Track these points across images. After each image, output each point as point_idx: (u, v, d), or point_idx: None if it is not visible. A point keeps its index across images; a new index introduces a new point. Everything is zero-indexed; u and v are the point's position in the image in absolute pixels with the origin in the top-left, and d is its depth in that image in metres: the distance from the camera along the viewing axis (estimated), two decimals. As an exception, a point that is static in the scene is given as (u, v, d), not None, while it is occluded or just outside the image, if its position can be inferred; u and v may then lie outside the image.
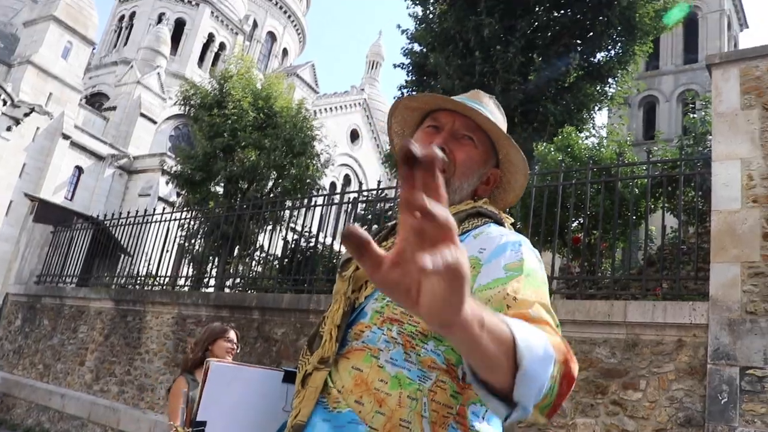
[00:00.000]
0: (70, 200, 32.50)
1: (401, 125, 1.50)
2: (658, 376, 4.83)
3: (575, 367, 1.00)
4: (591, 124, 12.95)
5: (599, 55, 13.16)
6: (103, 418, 9.94)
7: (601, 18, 12.35)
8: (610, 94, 13.52)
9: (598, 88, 13.09)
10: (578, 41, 12.71)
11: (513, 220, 1.40)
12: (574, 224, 8.03)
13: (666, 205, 6.96)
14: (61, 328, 11.71)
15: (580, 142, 9.03)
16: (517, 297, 1.08)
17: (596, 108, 13.27)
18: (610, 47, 13.06)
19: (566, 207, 6.84)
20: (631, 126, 26.23)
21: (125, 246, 11.93)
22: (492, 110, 1.42)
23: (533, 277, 1.14)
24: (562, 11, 12.73)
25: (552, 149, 8.77)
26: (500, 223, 1.33)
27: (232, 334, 4.39)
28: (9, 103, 30.26)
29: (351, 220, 8.60)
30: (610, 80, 13.30)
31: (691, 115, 9.26)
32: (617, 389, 4.99)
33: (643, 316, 4.97)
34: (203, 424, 1.32)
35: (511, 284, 1.10)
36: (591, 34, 12.73)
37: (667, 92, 31.15)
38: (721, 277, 4.66)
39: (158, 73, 40.04)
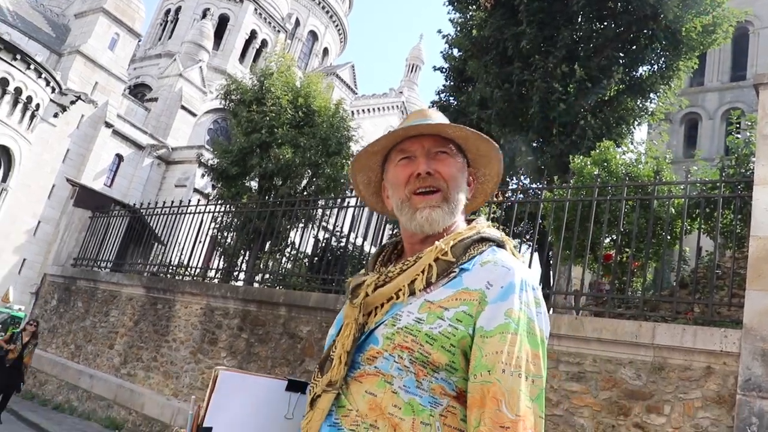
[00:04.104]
0: (109, 187, 33.17)
1: (365, 172, 1.53)
2: (683, 402, 4.74)
3: None
4: (630, 140, 12.75)
5: (642, 69, 12.96)
6: (128, 401, 10.13)
7: (645, 31, 12.16)
8: (651, 109, 13.29)
9: (639, 102, 12.87)
10: (621, 54, 12.52)
11: (515, 243, 1.41)
12: (607, 241, 7.94)
13: (702, 226, 6.85)
14: (94, 311, 11.95)
15: (617, 157, 8.92)
16: (508, 382, 1.17)
17: (636, 123, 13.05)
18: (653, 61, 12.84)
19: (599, 222, 6.76)
20: (671, 143, 25.73)
21: (159, 235, 12.14)
22: (442, 118, 1.45)
23: (530, 335, 1.22)
24: (605, 23, 12.57)
25: (588, 163, 8.68)
26: (502, 246, 1.36)
27: None
28: (57, 90, 31.03)
29: (383, 223, 8.62)
30: (651, 95, 13.07)
31: (735, 135, 9.05)
32: (640, 412, 4.91)
33: (672, 339, 4.88)
34: (209, 430, 1.37)
35: (508, 349, 1.18)
36: (634, 47, 12.54)
37: (710, 110, 30.43)
38: (757, 304, 4.55)
39: (200, 67, 40.64)
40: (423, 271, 1.30)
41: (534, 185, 12.09)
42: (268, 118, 14.07)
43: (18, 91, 28.50)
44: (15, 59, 28.07)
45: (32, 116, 29.92)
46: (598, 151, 8.99)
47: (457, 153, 1.42)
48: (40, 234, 31.26)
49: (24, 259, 30.90)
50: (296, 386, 1.45)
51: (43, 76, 29.62)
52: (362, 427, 1.22)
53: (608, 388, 5.14)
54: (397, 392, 1.21)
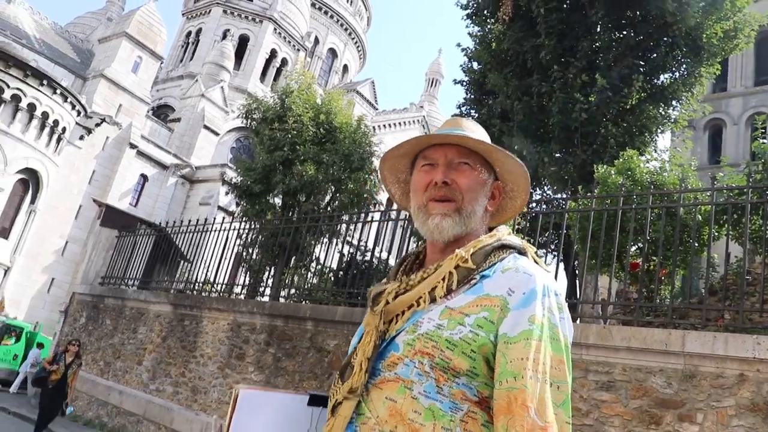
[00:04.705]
0: (135, 207, 33.62)
1: (394, 173, 1.57)
2: (717, 410, 4.68)
3: None
4: (653, 148, 12.65)
5: (663, 77, 12.86)
6: (157, 416, 10.22)
7: (665, 39, 12.10)
8: (673, 116, 13.18)
9: (661, 110, 12.77)
10: (641, 62, 12.47)
11: (535, 249, 1.43)
12: (633, 249, 7.89)
13: (731, 233, 6.78)
14: (122, 328, 12.10)
15: (641, 165, 8.87)
16: (530, 387, 1.18)
17: (659, 131, 12.95)
18: (674, 69, 12.75)
19: (625, 231, 6.73)
20: (695, 150, 25.48)
21: (185, 253, 12.29)
22: (473, 129, 1.47)
23: (554, 341, 1.23)
24: (625, 32, 12.53)
25: (612, 172, 8.65)
26: (524, 253, 1.37)
27: None
28: (83, 113, 31.66)
29: (407, 237, 8.65)
30: (674, 102, 12.96)
31: (761, 141, 8.96)
32: (672, 420, 4.86)
33: (703, 347, 4.83)
34: None
35: (534, 355, 1.19)
36: (655, 55, 12.48)
37: (735, 115, 30.07)
38: (788, 309, 4.50)
39: (222, 87, 41.17)
40: (444, 279, 1.32)
41: (558, 195, 12.05)
42: (290, 136, 14.21)
43: (45, 115, 29.13)
44: (42, 85, 28.72)
45: (59, 139, 30.53)
46: (621, 160, 8.96)
47: (481, 166, 1.43)
48: (67, 254, 31.74)
49: (53, 279, 31.39)
50: (318, 400, 1.44)
51: (69, 100, 30.26)
52: None
53: (639, 396, 5.09)
54: (417, 398, 1.22)
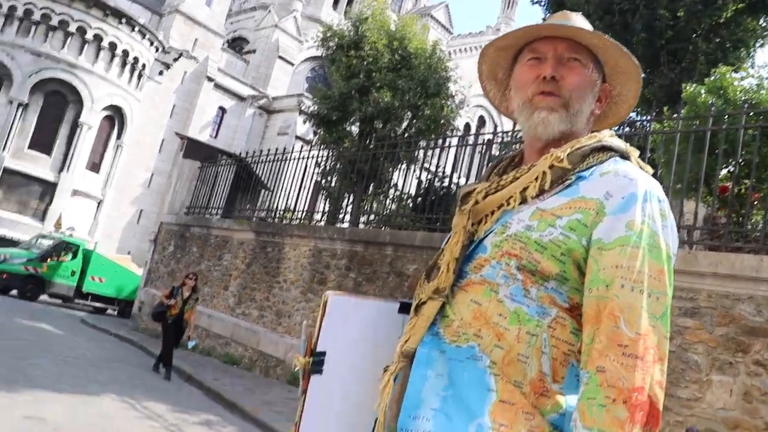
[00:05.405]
0: (215, 138, 34.57)
1: (491, 67, 1.46)
2: (811, 338, 4.53)
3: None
4: (750, 63, 11.80)
5: (767, -17, 11.85)
6: (244, 338, 10.77)
7: (769, -61, 11.09)
8: (776, 28, 12.20)
9: (761, 21, 11.83)
10: (740, -32, 11.52)
11: (639, 152, 1.32)
12: (723, 172, 7.54)
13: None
14: (208, 255, 12.67)
15: (735, 83, 8.33)
16: (627, 301, 1.09)
17: (757, 45, 12.04)
18: (778, -28, 11.71)
19: (714, 154, 6.42)
20: (795, 66, 23.69)
21: (265, 181, 12.61)
22: (583, 24, 1.34)
23: (654, 249, 1.13)
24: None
25: (702, 91, 8.17)
26: (626, 157, 1.28)
27: None
28: (161, 49, 32.40)
29: (485, 162, 8.56)
30: (777, 12, 11.96)
31: None
32: (762, 349, 4.73)
33: (798, 272, 4.65)
34: (323, 354, 1.37)
35: (628, 263, 1.11)
36: (755, -42, 11.49)
37: (844, 27, 27.67)
38: None
39: (295, 17, 41.07)
40: (536, 179, 1.24)
41: (642, 117, 11.54)
42: (365, 63, 14.12)
43: (125, 53, 29.99)
44: (121, 23, 29.47)
45: (139, 76, 31.46)
46: (712, 77, 8.44)
47: (591, 64, 1.32)
48: (153, 186, 33.20)
49: (141, 210, 33.01)
50: (409, 308, 1.38)
51: (147, 36, 30.97)
52: (463, 337, 1.18)
53: (725, 324, 4.98)
54: (503, 301, 1.17)
